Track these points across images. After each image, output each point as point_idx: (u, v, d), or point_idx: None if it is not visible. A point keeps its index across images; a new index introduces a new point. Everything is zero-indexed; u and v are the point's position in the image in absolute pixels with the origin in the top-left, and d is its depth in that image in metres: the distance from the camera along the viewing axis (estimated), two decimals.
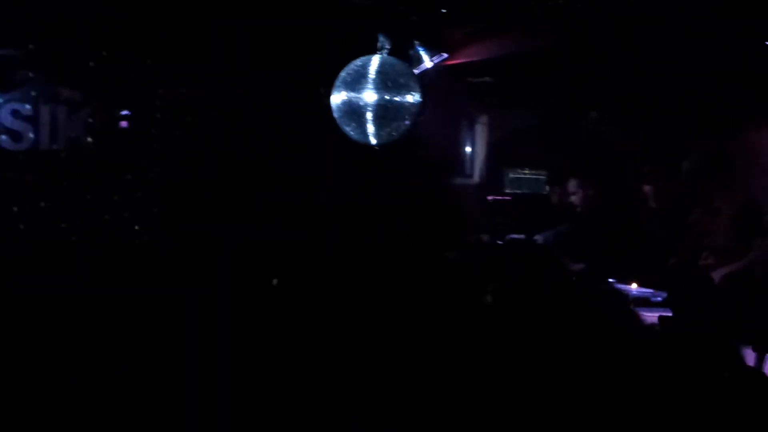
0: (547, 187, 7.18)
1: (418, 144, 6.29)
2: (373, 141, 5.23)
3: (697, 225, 5.45)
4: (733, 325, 4.12)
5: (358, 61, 5.18)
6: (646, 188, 6.12)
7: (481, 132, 7.99)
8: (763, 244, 4.97)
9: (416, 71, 5.89)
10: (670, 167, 6.11)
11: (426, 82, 5.56)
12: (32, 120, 5.85)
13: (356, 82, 5.14)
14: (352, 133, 5.27)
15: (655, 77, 5.82)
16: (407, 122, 5.24)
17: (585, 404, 3.42)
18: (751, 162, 5.56)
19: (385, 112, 5.14)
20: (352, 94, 5.15)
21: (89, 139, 6.09)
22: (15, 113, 5.77)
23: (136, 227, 6.05)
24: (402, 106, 5.18)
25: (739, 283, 4.70)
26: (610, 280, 5.58)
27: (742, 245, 5.15)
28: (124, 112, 6.18)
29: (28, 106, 5.83)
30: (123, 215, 6.06)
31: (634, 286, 5.46)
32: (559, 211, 6.46)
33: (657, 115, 6.59)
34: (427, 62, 6.05)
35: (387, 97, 5.13)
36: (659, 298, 5.08)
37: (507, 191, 7.68)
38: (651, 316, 4.68)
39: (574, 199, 6.15)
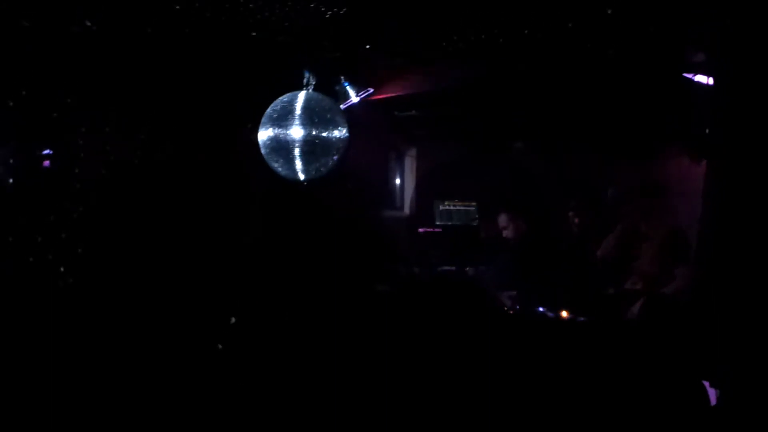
0: (477, 221, 7.24)
1: (346, 178, 6.31)
2: (301, 176, 5.22)
3: (625, 250, 5.57)
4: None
5: (284, 98, 5.18)
6: (573, 217, 6.24)
7: (409, 165, 8.06)
8: (687, 273, 5.09)
9: (343, 106, 5.91)
10: (595, 195, 6.24)
11: (353, 117, 5.58)
12: None
13: (283, 119, 5.12)
14: (279, 169, 5.24)
15: (577, 107, 5.96)
16: (335, 157, 5.24)
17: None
18: (675, 189, 5.70)
19: (312, 147, 5.14)
20: (279, 131, 5.13)
21: (10, 180, 5.94)
22: None
23: (61, 269, 5.90)
24: (329, 141, 5.18)
25: (663, 311, 4.79)
26: (541, 309, 5.66)
27: (669, 271, 5.28)
28: (46, 152, 6.04)
29: None
30: (47, 257, 5.91)
31: (564, 314, 5.54)
32: (490, 243, 6.52)
33: (580, 144, 6.75)
34: (353, 97, 6.08)
35: (314, 133, 5.13)
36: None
37: (437, 223, 7.74)
38: None
39: (505, 232, 6.22)
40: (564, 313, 5.49)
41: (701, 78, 4.90)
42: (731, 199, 4.26)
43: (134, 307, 5.63)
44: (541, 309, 5.67)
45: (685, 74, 5.00)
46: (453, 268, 6.47)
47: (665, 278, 5.21)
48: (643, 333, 4.77)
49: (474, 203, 7.53)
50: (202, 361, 5.13)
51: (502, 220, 6.16)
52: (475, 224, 7.42)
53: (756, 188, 4.09)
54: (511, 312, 5.63)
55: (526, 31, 4.64)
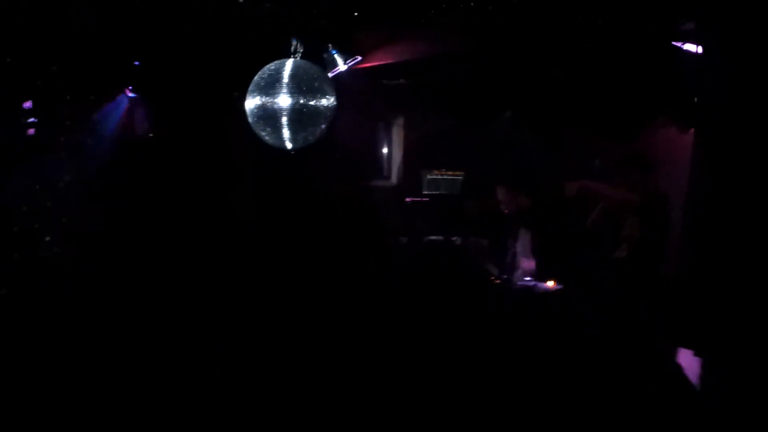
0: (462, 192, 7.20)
1: (334, 147, 6.28)
2: (289, 145, 5.19)
3: (612, 220, 5.59)
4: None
5: (271, 66, 5.12)
6: (560, 187, 6.25)
7: (397, 134, 8.03)
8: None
9: (330, 75, 5.87)
10: (583, 166, 6.25)
11: (340, 85, 5.54)
12: None
13: (270, 87, 5.08)
14: (267, 137, 5.20)
15: (565, 77, 5.93)
16: (323, 126, 5.20)
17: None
18: (663, 158, 5.71)
19: (300, 116, 5.09)
20: (267, 99, 5.09)
21: None
22: None
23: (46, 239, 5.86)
24: (317, 110, 5.14)
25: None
26: (527, 279, 5.69)
27: (651, 234, 5.31)
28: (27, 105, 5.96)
29: None
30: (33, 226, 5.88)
31: (550, 283, 5.58)
32: (486, 217, 6.50)
33: (568, 116, 6.73)
34: (341, 65, 6.04)
35: (302, 101, 5.08)
36: None
37: (424, 192, 7.74)
38: None
39: (504, 206, 6.18)
40: (551, 283, 5.53)
41: (690, 47, 4.89)
42: (718, 167, 4.28)
43: (120, 280, 5.62)
44: (527, 279, 5.70)
45: (674, 43, 4.98)
46: (440, 237, 6.48)
47: (648, 241, 5.25)
48: (621, 303, 4.82)
49: (460, 173, 7.53)
50: (188, 334, 5.14)
51: (501, 194, 6.13)
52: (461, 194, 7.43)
53: (742, 157, 4.11)
54: (498, 281, 5.67)
55: (515, 0, 4.62)
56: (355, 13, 5.12)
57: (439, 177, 7.76)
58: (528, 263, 5.86)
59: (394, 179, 8.07)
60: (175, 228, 5.99)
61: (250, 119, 5.19)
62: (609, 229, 5.59)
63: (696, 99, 4.60)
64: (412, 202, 7.62)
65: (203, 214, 6.10)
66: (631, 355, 4.33)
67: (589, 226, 5.66)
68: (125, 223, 5.92)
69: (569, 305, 5.05)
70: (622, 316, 4.69)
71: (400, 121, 7.97)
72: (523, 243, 5.97)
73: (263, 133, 5.18)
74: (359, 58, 6.08)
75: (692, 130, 4.76)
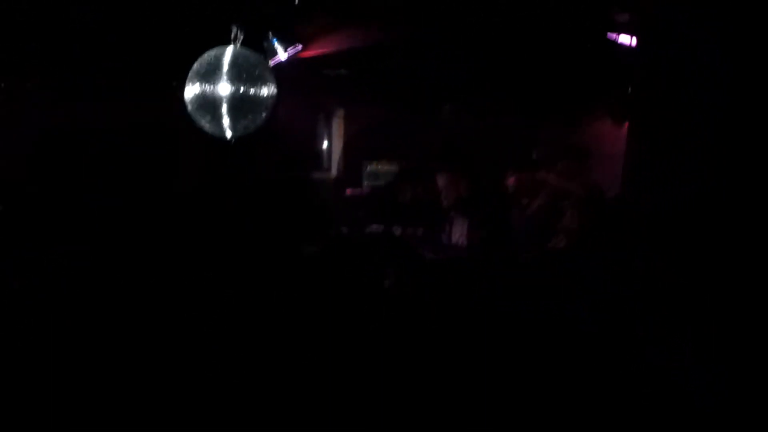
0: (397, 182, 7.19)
1: (274, 137, 6.25)
2: (229, 134, 5.14)
3: (550, 211, 5.67)
4: None
5: (211, 52, 5.07)
6: (502, 177, 6.31)
7: (337, 125, 8.02)
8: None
9: (271, 63, 5.84)
10: (522, 156, 6.33)
11: (281, 75, 5.51)
12: None
13: (210, 74, 5.02)
14: (206, 125, 5.15)
15: (503, 68, 6.01)
16: (263, 115, 5.17)
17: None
18: (598, 149, 5.82)
19: (240, 104, 5.05)
20: (206, 87, 5.03)
21: None
22: None
23: None
24: (257, 98, 5.10)
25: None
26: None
27: (589, 226, 5.40)
28: None
29: None
30: None
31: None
32: (421, 206, 6.52)
33: (507, 106, 6.83)
34: (282, 54, 6.00)
35: (242, 90, 5.04)
36: None
37: (365, 184, 7.76)
38: None
39: (444, 193, 6.18)
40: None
41: (624, 38, 4.99)
42: (652, 158, 4.37)
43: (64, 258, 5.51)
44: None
45: (609, 34, 5.08)
46: (380, 227, 6.50)
47: (586, 233, 5.33)
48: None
49: (401, 164, 7.55)
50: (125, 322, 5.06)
51: (441, 182, 6.15)
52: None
53: (675, 148, 4.20)
54: (437, 267, 5.71)
55: None
56: (296, 2, 5.10)
57: (380, 168, 7.78)
58: (462, 250, 5.93)
59: (334, 170, 8.07)
60: (110, 217, 5.89)
61: (189, 107, 5.12)
62: (549, 219, 5.67)
63: (630, 90, 4.70)
64: (353, 193, 7.63)
65: (141, 202, 6.02)
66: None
67: (532, 214, 5.74)
68: (57, 214, 5.81)
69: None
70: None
71: (341, 112, 7.96)
72: (460, 230, 6.03)
73: (203, 121, 5.12)
74: (300, 47, 6.05)
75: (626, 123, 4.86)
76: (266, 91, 5.10)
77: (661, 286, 4.07)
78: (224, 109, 5.04)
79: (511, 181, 5.97)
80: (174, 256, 5.72)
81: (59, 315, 4.75)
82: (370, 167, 7.82)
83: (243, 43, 5.26)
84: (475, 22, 5.24)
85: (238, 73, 5.01)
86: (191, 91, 5.07)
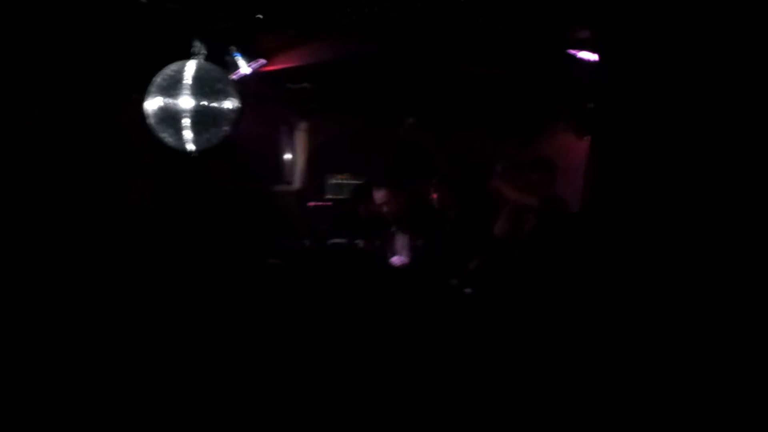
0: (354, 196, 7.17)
1: (237, 151, 6.22)
2: (191, 147, 5.11)
3: (516, 225, 5.71)
4: None
5: (173, 66, 5.04)
6: (462, 189, 6.34)
7: (300, 138, 8.02)
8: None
9: (234, 77, 5.82)
10: (483, 169, 6.37)
11: (244, 88, 5.49)
12: None
13: (172, 88, 4.99)
14: (168, 139, 5.11)
15: (465, 83, 6.05)
16: (225, 128, 5.15)
17: None
18: (560, 163, 5.87)
19: (202, 118, 5.03)
20: (168, 100, 5.00)
21: None
22: None
23: None
24: (220, 112, 5.09)
25: None
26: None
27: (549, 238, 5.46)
28: None
29: None
30: None
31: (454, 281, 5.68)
32: (367, 220, 6.51)
33: (468, 121, 6.87)
34: (245, 68, 5.99)
35: (204, 103, 5.02)
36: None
37: (328, 197, 7.76)
38: None
39: (384, 207, 6.16)
40: (454, 281, 5.62)
41: (585, 54, 5.05)
42: (612, 172, 4.44)
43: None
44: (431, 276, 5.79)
45: (570, 50, 5.14)
46: (344, 240, 6.50)
47: (546, 244, 5.38)
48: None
49: (363, 177, 7.57)
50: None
51: (378, 195, 6.12)
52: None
53: (635, 162, 4.27)
54: (403, 279, 5.74)
55: (418, 5, 4.69)
56: (259, 16, 5.09)
57: (343, 181, 7.79)
58: (401, 261, 5.96)
59: (297, 183, 8.05)
60: (67, 228, 5.80)
61: (150, 120, 5.09)
62: (513, 232, 5.71)
63: (591, 105, 4.76)
64: (315, 206, 7.62)
65: (99, 213, 5.94)
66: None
67: (496, 227, 5.77)
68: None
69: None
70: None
71: (304, 125, 7.96)
72: (401, 242, 6.05)
73: (164, 135, 5.09)
74: (263, 61, 6.04)
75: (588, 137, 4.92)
76: (229, 104, 5.09)
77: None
78: (186, 122, 5.02)
79: (475, 193, 6.01)
80: (129, 271, 5.66)
81: None
82: (333, 180, 7.83)
83: (206, 58, 5.24)
84: (436, 37, 5.27)
85: (200, 87, 4.99)
86: (153, 104, 5.04)
